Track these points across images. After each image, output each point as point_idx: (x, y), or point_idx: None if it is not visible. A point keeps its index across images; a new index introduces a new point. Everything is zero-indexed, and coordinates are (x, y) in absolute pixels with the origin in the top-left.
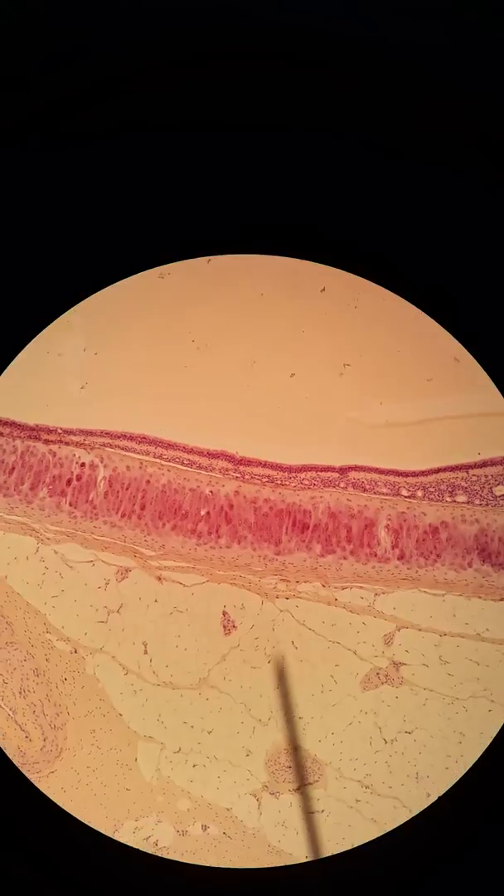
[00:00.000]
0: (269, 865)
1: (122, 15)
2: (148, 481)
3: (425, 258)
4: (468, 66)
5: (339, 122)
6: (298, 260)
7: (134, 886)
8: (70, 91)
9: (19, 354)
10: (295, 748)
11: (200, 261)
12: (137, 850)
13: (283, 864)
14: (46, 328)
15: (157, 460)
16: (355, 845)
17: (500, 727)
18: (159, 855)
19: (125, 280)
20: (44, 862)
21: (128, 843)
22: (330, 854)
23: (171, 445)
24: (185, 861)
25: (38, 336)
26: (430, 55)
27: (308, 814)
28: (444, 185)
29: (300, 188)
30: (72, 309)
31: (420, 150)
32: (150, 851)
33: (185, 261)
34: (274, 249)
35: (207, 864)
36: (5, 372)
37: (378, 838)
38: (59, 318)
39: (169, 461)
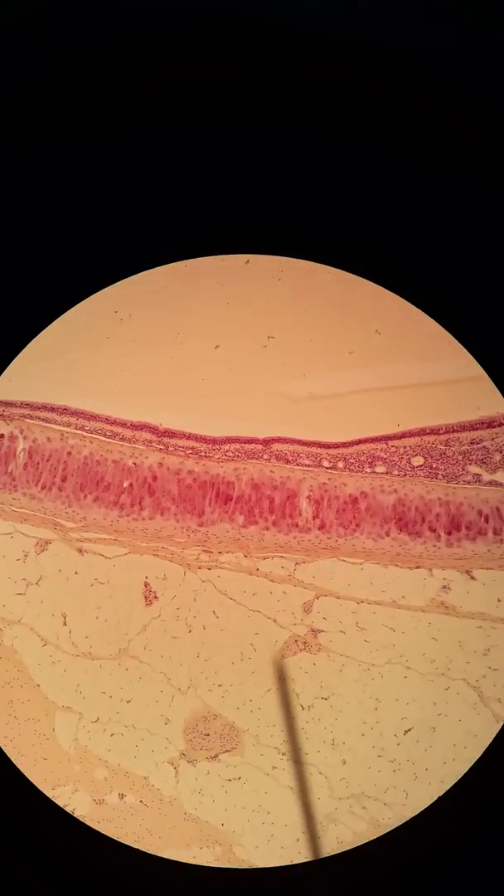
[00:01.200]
0: (186, 832)
1: (122, 15)
2: (69, 453)
3: (425, 258)
4: (468, 66)
5: (340, 122)
6: (298, 260)
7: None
8: (70, 91)
9: None
10: (296, 762)
11: (212, 259)
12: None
13: (202, 833)
14: None
15: (79, 432)
16: (355, 845)
17: (415, 694)
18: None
19: None
20: None
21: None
22: (329, 854)
23: (93, 417)
24: (171, 859)
25: None
26: (431, 55)
27: (308, 814)
28: (444, 185)
29: (300, 188)
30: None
31: (420, 150)
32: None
33: (186, 260)
34: (274, 249)
35: (127, 842)
36: None
37: (378, 838)
38: None
39: (91, 433)
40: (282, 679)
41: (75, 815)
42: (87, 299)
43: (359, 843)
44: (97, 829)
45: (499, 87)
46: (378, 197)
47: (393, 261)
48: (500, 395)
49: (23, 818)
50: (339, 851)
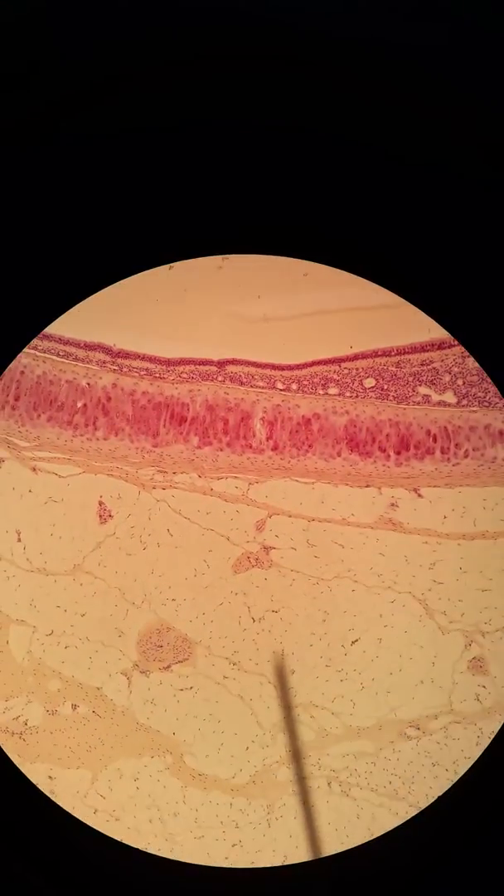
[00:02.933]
0: (138, 742)
1: (122, 15)
2: (22, 372)
3: (426, 258)
4: (468, 66)
5: (339, 122)
6: (298, 260)
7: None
8: (70, 91)
9: None
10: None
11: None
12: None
13: (156, 747)
14: None
15: (32, 351)
16: (352, 845)
17: (362, 606)
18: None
19: None
20: None
21: None
22: (329, 854)
23: (45, 336)
24: (164, 856)
25: None
26: (431, 55)
27: (308, 815)
28: (444, 186)
29: (300, 188)
30: None
31: (420, 150)
32: (19, 731)
33: (187, 260)
34: (274, 249)
35: (80, 753)
36: None
37: (377, 838)
38: None
39: (44, 352)
40: (283, 685)
41: (27, 725)
42: (88, 299)
43: (358, 844)
44: (51, 739)
45: (499, 86)
46: (378, 197)
47: (394, 261)
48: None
49: None
50: (338, 851)
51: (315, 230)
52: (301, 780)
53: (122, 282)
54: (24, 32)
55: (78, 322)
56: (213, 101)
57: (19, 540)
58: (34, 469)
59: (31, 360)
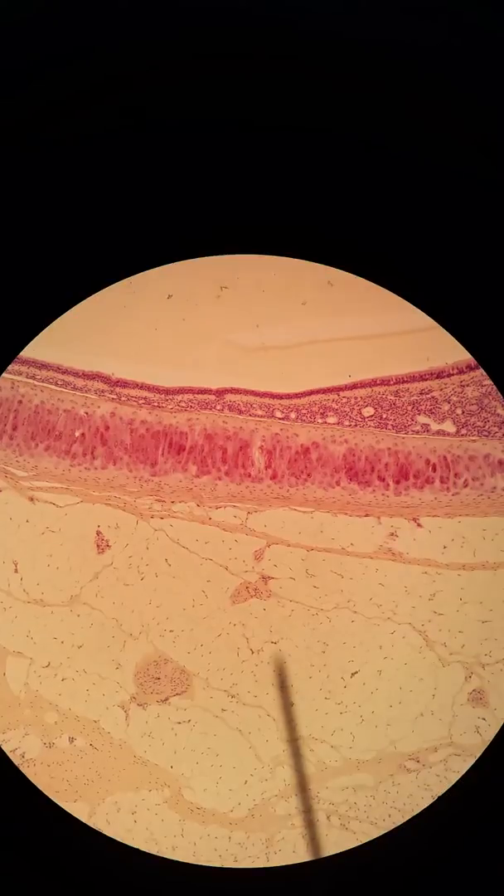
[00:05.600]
0: (136, 775)
1: (122, 15)
2: (20, 401)
3: (426, 258)
4: (468, 66)
5: (340, 122)
6: (298, 260)
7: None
8: (70, 91)
9: None
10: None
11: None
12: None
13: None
14: None
15: (30, 381)
16: (353, 845)
17: (362, 638)
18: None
19: None
20: None
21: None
22: (330, 854)
23: (43, 366)
24: (163, 855)
25: None
26: (430, 55)
27: (308, 817)
28: (444, 186)
29: (300, 188)
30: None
31: (420, 150)
32: (17, 763)
33: (186, 260)
34: (274, 249)
35: (77, 786)
36: None
37: (377, 838)
38: None
39: (42, 381)
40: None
41: (24, 758)
42: (88, 299)
43: (358, 843)
44: (48, 773)
45: (499, 86)
46: (378, 197)
47: (394, 261)
48: (449, 345)
49: None
50: (338, 851)
51: (315, 230)
52: (301, 782)
53: (125, 308)
54: (25, 32)
55: (76, 350)
56: (213, 101)
57: (16, 571)
58: (32, 499)
59: (29, 389)
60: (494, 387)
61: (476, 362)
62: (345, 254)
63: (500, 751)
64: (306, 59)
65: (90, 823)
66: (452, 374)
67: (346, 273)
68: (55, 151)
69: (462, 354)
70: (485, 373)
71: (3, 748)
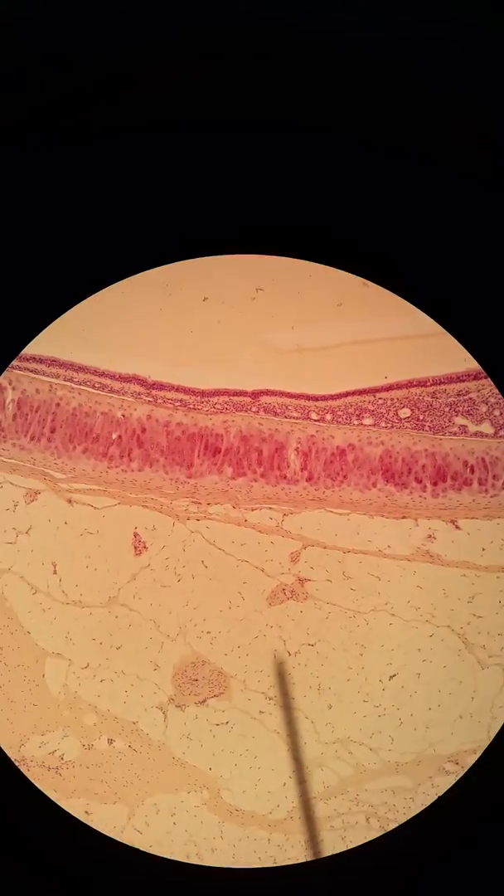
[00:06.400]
0: (175, 777)
1: (122, 15)
2: (58, 404)
3: (426, 258)
4: (469, 66)
5: (340, 122)
6: (298, 260)
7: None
8: (70, 91)
9: None
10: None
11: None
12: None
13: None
14: None
15: (68, 383)
16: (354, 845)
17: (400, 640)
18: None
19: None
20: None
21: (33, 757)
22: (330, 854)
23: (81, 369)
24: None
25: None
26: (431, 55)
27: (309, 818)
28: (444, 186)
29: (300, 188)
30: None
31: (420, 150)
32: (55, 766)
33: (185, 261)
34: (274, 249)
35: (116, 787)
36: None
37: (378, 838)
38: None
39: (80, 384)
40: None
41: (63, 760)
42: (89, 298)
43: (359, 843)
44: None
45: (499, 86)
46: (378, 197)
47: (394, 261)
48: None
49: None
50: (338, 851)
51: (315, 230)
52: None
53: (161, 310)
54: (25, 32)
55: (112, 353)
56: (213, 101)
57: (55, 572)
58: (70, 501)
59: (66, 392)
60: None
61: None
62: (345, 254)
63: (500, 751)
64: (306, 59)
65: (130, 825)
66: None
67: (346, 273)
68: (55, 151)
69: None
70: None
71: (43, 750)
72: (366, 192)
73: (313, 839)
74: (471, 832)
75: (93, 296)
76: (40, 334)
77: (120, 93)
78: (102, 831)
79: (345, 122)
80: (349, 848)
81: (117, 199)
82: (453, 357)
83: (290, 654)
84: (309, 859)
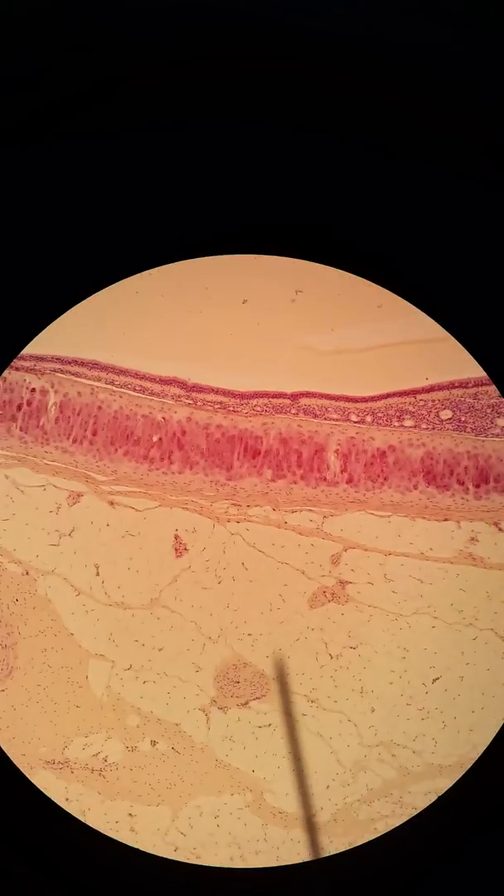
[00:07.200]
0: (218, 779)
1: (122, 15)
2: (99, 407)
3: (426, 258)
4: (469, 66)
5: (340, 123)
6: (298, 260)
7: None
8: (70, 91)
9: None
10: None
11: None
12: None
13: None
14: None
15: (109, 386)
16: (355, 844)
17: (443, 643)
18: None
19: None
20: None
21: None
22: (330, 854)
23: (122, 372)
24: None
25: None
26: (431, 55)
27: (309, 818)
28: (444, 186)
29: (300, 188)
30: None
31: (420, 151)
32: (99, 768)
33: (184, 261)
34: (274, 249)
35: (160, 789)
36: None
37: (378, 837)
38: None
39: (121, 387)
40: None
41: (107, 762)
42: (90, 298)
43: (359, 843)
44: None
45: (499, 86)
46: (378, 197)
47: (394, 261)
48: None
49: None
50: (339, 851)
51: (315, 230)
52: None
53: (200, 313)
54: (25, 32)
55: (152, 357)
56: (213, 101)
57: (98, 574)
58: (111, 503)
59: (107, 395)
60: None
61: None
62: (345, 254)
63: (500, 751)
64: (306, 59)
65: (173, 827)
66: None
67: (346, 273)
68: (55, 151)
69: None
70: None
71: (87, 752)
72: (366, 192)
73: (313, 840)
74: (470, 833)
75: (136, 292)
76: (78, 334)
77: (120, 93)
78: (146, 834)
79: (345, 122)
80: (349, 848)
81: (117, 200)
82: None
83: (331, 658)
84: (342, 863)
